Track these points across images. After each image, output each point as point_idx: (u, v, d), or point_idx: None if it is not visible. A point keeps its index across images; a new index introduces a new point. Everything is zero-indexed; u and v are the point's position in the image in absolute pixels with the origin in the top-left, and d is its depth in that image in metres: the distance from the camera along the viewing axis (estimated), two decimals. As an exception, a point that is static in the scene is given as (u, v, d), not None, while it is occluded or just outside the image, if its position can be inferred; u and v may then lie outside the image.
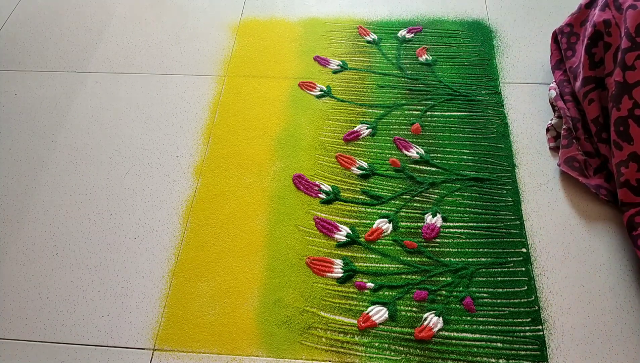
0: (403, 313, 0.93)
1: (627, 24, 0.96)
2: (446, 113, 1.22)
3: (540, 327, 0.90)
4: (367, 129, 1.20)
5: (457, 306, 0.93)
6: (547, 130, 1.16)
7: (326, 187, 1.11)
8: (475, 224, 1.04)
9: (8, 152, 1.21)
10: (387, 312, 0.93)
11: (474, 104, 1.24)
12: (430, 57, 1.34)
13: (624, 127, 0.96)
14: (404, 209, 1.07)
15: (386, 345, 0.90)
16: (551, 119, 1.18)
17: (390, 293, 0.96)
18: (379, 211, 1.06)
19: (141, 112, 1.27)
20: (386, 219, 1.05)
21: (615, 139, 0.98)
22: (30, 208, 1.11)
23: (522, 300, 0.94)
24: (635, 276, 0.95)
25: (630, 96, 0.95)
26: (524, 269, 0.97)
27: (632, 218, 0.95)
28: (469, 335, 0.90)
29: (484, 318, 0.92)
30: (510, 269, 0.98)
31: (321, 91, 1.29)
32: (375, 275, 0.98)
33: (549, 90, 1.21)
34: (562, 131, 1.12)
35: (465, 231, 1.03)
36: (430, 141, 1.17)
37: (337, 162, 1.15)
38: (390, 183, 1.11)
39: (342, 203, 1.08)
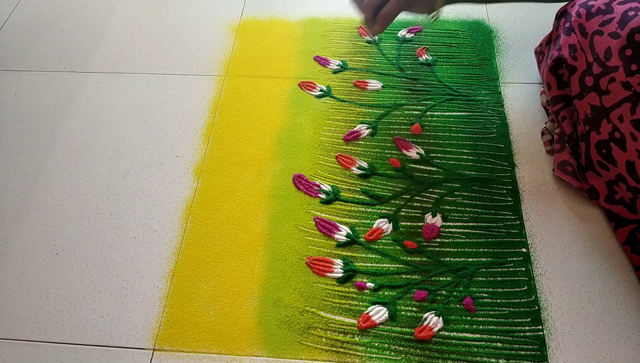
0: (403, 313, 0.93)
1: (596, 50, 0.96)
2: (446, 113, 1.22)
3: (540, 327, 0.90)
4: (367, 129, 1.20)
5: (457, 306, 0.93)
6: (542, 134, 1.16)
7: (326, 187, 1.11)
8: (475, 224, 1.04)
9: (8, 152, 1.21)
10: (387, 312, 0.93)
11: (474, 104, 1.24)
12: (430, 57, 1.34)
13: (606, 150, 0.96)
14: (404, 209, 1.06)
15: (386, 345, 0.90)
16: (545, 123, 1.17)
17: (390, 293, 0.95)
18: (379, 211, 1.06)
19: (141, 112, 1.27)
20: (386, 219, 1.05)
21: (600, 160, 0.98)
22: (30, 208, 1.11)
23: (522, 300, 0.94)
24: (636, 276, 0.95)
25: (609, 120, 0.95)
26: (524, 269, 0.97)
27: (633, 233, 0.95)
28: (469, 335, 0.90)
29: (484, 318, 0.92)
30: (510, 269, 0.97)
31: (321, 91, 1.29)
32: (375, 275, 0.98)
33: (541, 94, 1.21)
34: (554, 135, 1.11)
35: (465, 231, 1.03)
36: (430, 141, 1.17)
37: (337, 162, 1.15)
38: (390, 183, 1.11)
39: (342, 203, 1.08)
